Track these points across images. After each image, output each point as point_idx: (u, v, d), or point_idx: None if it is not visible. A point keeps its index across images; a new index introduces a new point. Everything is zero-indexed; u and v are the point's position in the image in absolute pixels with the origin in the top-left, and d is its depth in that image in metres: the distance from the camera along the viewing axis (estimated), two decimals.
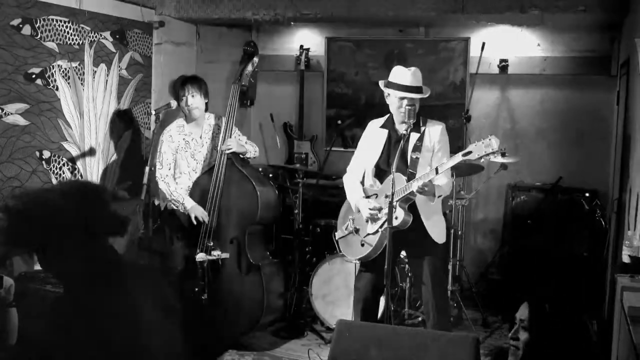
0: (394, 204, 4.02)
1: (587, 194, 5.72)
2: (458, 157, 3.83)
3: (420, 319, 5.21)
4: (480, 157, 3.72)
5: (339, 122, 6.42)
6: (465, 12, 5.49)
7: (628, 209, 4.37)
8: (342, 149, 6.63)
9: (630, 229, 3.97)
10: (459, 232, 5.67)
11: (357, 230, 4.35)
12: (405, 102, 4.17)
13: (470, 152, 3.75)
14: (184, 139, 4.98)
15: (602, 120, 6.02)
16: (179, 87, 4.98)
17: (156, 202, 5.49)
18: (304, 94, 6.65)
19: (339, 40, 6.68)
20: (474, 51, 6.16)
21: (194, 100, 4.91)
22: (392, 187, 3.87)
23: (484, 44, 5.87)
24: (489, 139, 3.68)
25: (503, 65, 6.17)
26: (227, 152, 4.83)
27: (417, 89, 4.21)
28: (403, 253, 4.75)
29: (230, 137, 4.89)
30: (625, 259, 3.62)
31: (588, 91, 6.09)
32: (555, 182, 5.81)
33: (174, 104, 4.98)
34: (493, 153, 3.67)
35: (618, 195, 5.13)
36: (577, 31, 6.01)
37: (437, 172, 3.93)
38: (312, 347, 5.01)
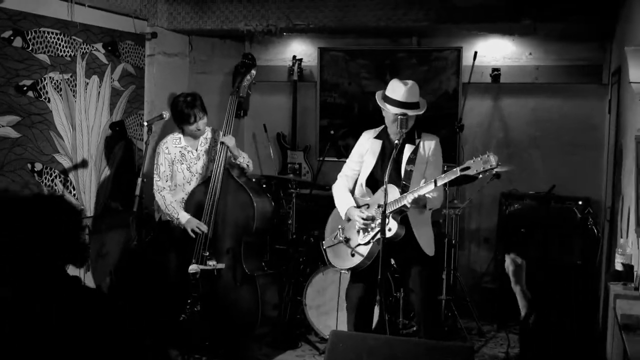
0: (388, 215, 4.03)
1: (579, 202, 5.73)
2: (456, 172, 3.80)
3: (414, 328, 5.19)
4: (478, 174, 3.70)
5: (332, 132, 6.42)
6: (457, 22, 5.52)
7: (620, 217, 4.38)
8: (335, 159, 6.62)
9: (623, 237, 3.98)
10: (453, 241, 5.68)
11: (347, 240, 4.34)
12: (400, 116, 4.18)
13: (468, 168, 3.72)
14: (180, 151, 4.97)
15: (594, 129, 6.04)
16: (185, 109, 4.84)
17: (153, 214, 5.48)
18: (297, 105, 6.66)
19: (332, 51, 6.69)
20: (466, 61, 6.18)
21: (202, 123, 4.90)
22: (385, 198, 3.88)
23: (476, 53, 5.89)
24: (487, 155, 3.66)
25: (495, 75, 6.19)
26: (226, 146, 4.82)
27: (412, 105, 4.21)
28: (392, 260, 4.74)
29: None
30: (618, 266, 3.63)
31: (580, 99, 6.11)
32: (548, 191, 5.82)
33: (166, 115, 4.98)
34: (491, 169, 3.65)
35: (610, 203, 5.14)
36: (569, 40, 6.04)
37: (435, 184, 3.91)
38: (306, 358, 5.00)
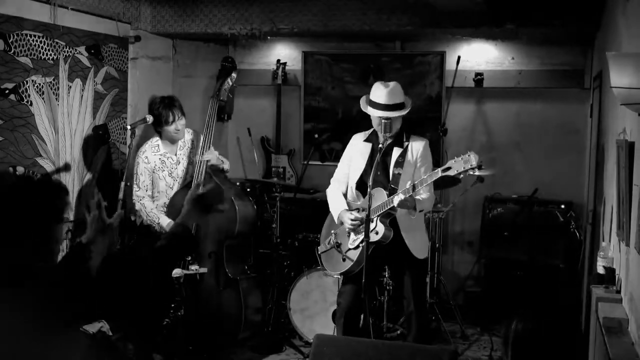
0: (375, 219, 4.04)
1: (562, 206, 5.77)
2: (437, 173, 3.84)
3: (398, 332, 5.20)
4: (459, 174, 3.74)
5: (316, 135, 6.42)
6: (441, 27, 5.54)
7: (602, 220, 4.41)
8: (319, 163, 6.64)
9: (605, 240, 4.01)
10: (437, 245, 5.70)
11: (338, 245, 4.36)
12: (383, 120, 4.20)
13: (449, 168, 3.76)
14: (159, 158, 4.92)
15: (576, 133, 6.09)
16: (163, 110, 4.81)
17: (132, 218, 5.44)
18: (281, 108, 6.66)
19: (316, 55, 6.70)
20: (449, 65, 6.21)
21: (181, 124, 4.86)
22: (369, 201, 3.90)
23: (459, 57, 5.92)
24: (468, 155, 3.70)
25: (478, 79, 6.23)
26: (206, 161, 4.79)
27: (394, 107, 4.22)
28: (386, 269, 4.78)
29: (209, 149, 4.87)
30: (600, 269, 3.65)
31: (562, 104, 6.17)
32: (531, 194, 5.86)
33: (149, 118, 4.93)
34: (472, 169, 3.69)
35: (593, 206, 5.18)
36: (551, 45, 6.09)
37: (414, 188, 3.94)
38: None
